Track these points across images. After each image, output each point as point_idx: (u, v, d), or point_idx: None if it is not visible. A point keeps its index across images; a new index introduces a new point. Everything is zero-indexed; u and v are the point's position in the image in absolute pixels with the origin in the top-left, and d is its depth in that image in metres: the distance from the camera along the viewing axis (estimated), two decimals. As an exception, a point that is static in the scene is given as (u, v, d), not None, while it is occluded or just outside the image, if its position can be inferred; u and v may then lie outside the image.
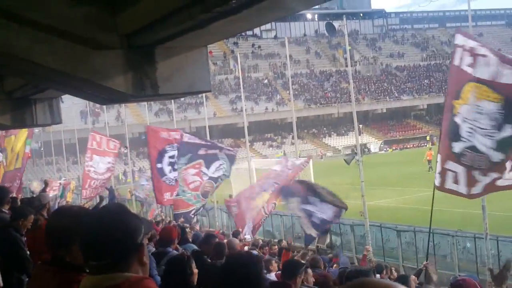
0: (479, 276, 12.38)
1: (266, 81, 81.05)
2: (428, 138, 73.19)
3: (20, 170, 16.88)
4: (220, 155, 18.80)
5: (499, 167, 9.84)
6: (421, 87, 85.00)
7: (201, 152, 18.71)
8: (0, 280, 4.84)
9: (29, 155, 17.56)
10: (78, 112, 58.38)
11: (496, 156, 9.77)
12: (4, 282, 5.10)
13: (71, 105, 45.87)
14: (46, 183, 12.42)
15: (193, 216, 19.55)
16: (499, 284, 6.12)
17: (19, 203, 7.59)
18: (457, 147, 10.14)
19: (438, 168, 10.42)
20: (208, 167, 18.61)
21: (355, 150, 22.97)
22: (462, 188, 10.23)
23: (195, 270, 4.58)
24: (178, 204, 18.99)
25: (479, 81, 9.70)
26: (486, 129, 9.75)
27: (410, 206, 27.29)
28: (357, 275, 4.41)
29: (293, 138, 25.53)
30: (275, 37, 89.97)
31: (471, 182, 10.13)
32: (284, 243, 15.87)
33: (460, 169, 10.16)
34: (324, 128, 78.70)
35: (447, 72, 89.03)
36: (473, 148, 9.92)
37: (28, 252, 5.89)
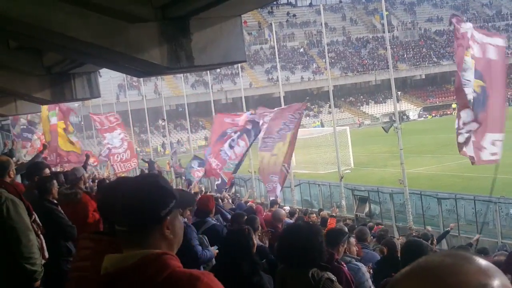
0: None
1: (301, 50, 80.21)
2: (454, 106, 71.52)
3: (50, 143, 17.43)
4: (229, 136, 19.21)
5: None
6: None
7: (248, 126, 19.31)
8: (46, 251, 4.99)
9: (55, 126, 18.12)
10: (116, 85, 59.18)
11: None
12: (53, 251, 5.26)
13: (109, 79, 46.42)
14: (87, 156, 12.69)
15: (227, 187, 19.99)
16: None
17: (62, 178, 7.77)
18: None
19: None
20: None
21: (393, 118, 22.64)
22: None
23: (256, 242, 4.59)
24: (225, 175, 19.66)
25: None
26: None
27: (450, 173, 26.86)
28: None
29: (330, 107, 25.28)
30: (310, 4, 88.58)
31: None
32: (324, 212, 15.89)
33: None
34: (362, 96, 77.70)
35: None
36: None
37: (68, 220, 6.06)
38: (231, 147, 19.40)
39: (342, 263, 4.82)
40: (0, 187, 4.70)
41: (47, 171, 7.04)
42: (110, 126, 25.66)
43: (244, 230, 4.66)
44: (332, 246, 4.80)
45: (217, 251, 6.00)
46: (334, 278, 3.58)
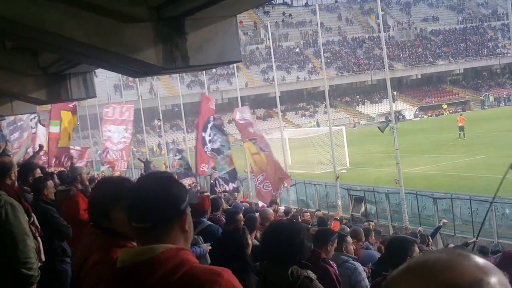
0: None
1: (297, 49, 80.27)
2: (444, 106, 71.83)
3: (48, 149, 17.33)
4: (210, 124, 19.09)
5: None
6: (457, 51, 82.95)
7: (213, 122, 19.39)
8: (42, 254, 4.99)
9: (56, 135, 17.98)
10: (111, 86, 59.05)
11: None
12: (49, 251, 5.26)
13: (104, 79, 46.35)
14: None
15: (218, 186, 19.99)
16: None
17: (56, 178, 7.79)
18: None
19: None
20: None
21: (389, 118, 22.67)
22: None
23: (250, 242, 4.64)
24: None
25: None
26: None
27: (446, 173, 26.92)
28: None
29: (325, 107, 25.32)
30: (306, 4, 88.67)
31: None
32: (319, 212, 15.93)
33: None
34: (357, 96, 77.80)
35: (484, 35, 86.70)
36: None
37: (63, 220, 6.06)
38: (210, 142, 19.49)
39: (332, 262, 4.83)
40: (0, 189, 4.68)
41: (38, 171, 7.05)
42: (120, 120, 25.31)
43: (239, 230, 4.74)
44: (319, 245, 4.82)
45: (209, 247, 6.03)
46: (313, 276, 3.59)
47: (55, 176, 7.88)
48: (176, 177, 27.27)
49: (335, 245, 5.11)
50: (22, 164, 8.76)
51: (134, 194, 1.92)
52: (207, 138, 19.76)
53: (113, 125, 25.04)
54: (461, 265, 0.93)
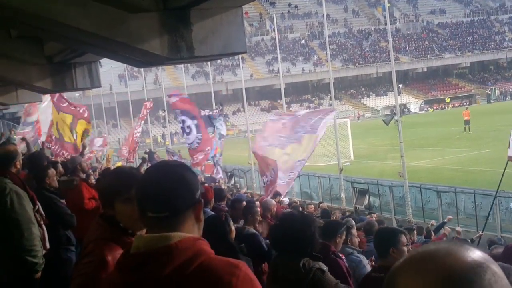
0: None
1: (303, 41, 79.99)
2: (447, 100, 71.61)
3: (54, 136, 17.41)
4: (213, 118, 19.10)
5: None
6: (464, 44, 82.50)
7: (202, 113, 19.22)
8: (47, 242, 5.02)
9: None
10: (116, 75, 59.08)
11: None
12: (53, 240, 5.30)
13: (109, 69, 46.36)
14: (84, 146, 12.71)
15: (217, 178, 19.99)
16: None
17: (60, 167, 7.82)
18: None
19: None
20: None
21: (394, 111, 22.61)
22: None
23: (233, 228, 4.81)
24: (208, 168, 19.54)
25: None
26: None
27: (450, 166, 26.87)
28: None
29: (330, 99, 25.26)
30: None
31: None
32: (324, 204, 15.92)
33: None
34: (363, 89, 77.58)
35: (491, 29, 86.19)
36: None
37: (67, 209, 6.10)
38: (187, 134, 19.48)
39: (341, 255, 4.82)
40: (5, 177, 4.70)
41: (44, 162, 7.10)
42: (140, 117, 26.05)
43: (221, 216, 4.94)
44: (328, 238, 4.81)
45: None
46: (325, 268, 3.60)
47: (59, 165, 7.90)
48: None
49: (343, 237, 5.10)
50: (29, 154, 8.79)
51: (149, 183, 1.87)
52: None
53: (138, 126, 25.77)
54: (460, 252, 0.96)
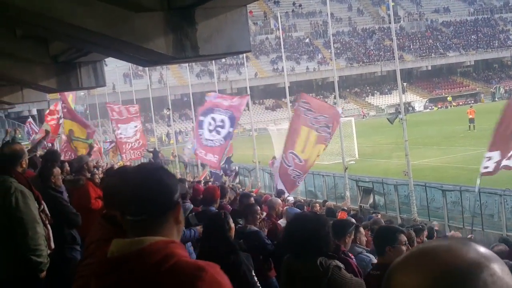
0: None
1: (307, 40, 79.91)
2: (449, 98, 71.42)
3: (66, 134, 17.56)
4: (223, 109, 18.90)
5: None
6: (468, 43, 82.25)
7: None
8: (52, 242, 5.02)
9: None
10: (121, 74, 59.20)
11: None
12: (58, 239, 5.31)
13: (114, 68, 46.43)
14: (91, 147, 12.75)
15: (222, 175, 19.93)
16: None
17: (67, 166, 7.85)
18: None
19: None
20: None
21: (398, 109, 22.56)
22: None
23: (232, 225, 4.85)
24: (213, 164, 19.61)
25: None
26: None
27: (455, 165, 26.80)
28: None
29: (335, 97, 25.21)
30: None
31: None
32: (330, 203, 15.91)
33: None
34: (367, 87, 77.45)
35: (495, 27, 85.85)
36: None
37: (72, 208, 6.11)
38: (210, 131, 19.37)
39: (350, 254, 4.82)
40: (11, 176, 4.71)
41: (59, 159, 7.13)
42: (128, 117, 25.79)
43: (220, 214, 4.96)
44: (338, 237, 4.81)
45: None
46: (342, 265, 3.61)
47: (67, 165, 7.92)
48: (185, 165, 27.31)
49: (352, 236, 5.10)
50: (47, 152, 8.80)
51: (126, 186, 1.89)
52: (206, 131, 19.66)
53: (123, 124, 25.57)
54: (461, 250, 0.93)
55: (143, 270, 1.72)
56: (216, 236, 4.68)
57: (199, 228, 6.19)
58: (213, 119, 19.58)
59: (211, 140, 19.53)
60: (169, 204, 1.85)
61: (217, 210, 7.22)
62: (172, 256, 1.74)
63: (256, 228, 6.11)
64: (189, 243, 6.43)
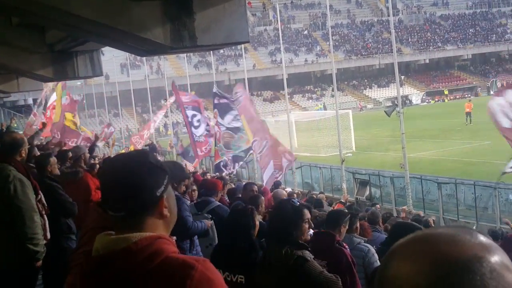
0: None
1: (305, 32, 79.73)
2: (446, 92, 71.49)
3: (57, 123, 17.36)
4: (233, 105, 18.82)
5: None
6: (466, 37, 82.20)
7: (215, 101, 19.11)
8: (48, 232, 5.03)
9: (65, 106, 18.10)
10: (118, 64, 58.98)
11: None
12: (54, 228, 5.31)
13: (111, 58, 46.28)
14: (96, 137, 12.72)
15: (224, 168, 19.86)
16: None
17: (69, 154, 7.84)
18: None
19: None
20: (222, 117, 18.78)
21: (396, 102, 22.57)
22: None
23: (257, 223, 4.54)
24: (216, 155, 19.56)
25: None
26: None
27: (451, 158, 26.87)
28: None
29: (333, 90, 25.20)
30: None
31: None
32: (322, 195, 15.95)
33: None
34: (365, 80, 77.40)
35: (493, 21, 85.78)
36: None
37: (68, 197, 6.10)
38: (195, 127, 19.47)
39: (344, 244, 4.84)
40: (10, 165, 4.71)
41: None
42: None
43: (248, 210, 4.66)
44: (332, 227, 4.83)
45: (211, 222, 6.10)
46: (309, 257, 3.60)
47: (69, 153, 7.91)
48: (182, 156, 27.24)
49: (347, 227, 5.12)
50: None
51: (105, 182, 1.78)
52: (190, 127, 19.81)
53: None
54: (464, 240, 0.90)
55: (130, 269, 1.64)
56: (239, 232, 4.39)
57: (207, 222, 6.10)
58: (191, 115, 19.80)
59: (198, 136, 19.72)
60: (150, 199, 1.74)
61: (218, 203, 7.20)
62: (160, 253, 1.66)
63: (260, 219, 6.10)
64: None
